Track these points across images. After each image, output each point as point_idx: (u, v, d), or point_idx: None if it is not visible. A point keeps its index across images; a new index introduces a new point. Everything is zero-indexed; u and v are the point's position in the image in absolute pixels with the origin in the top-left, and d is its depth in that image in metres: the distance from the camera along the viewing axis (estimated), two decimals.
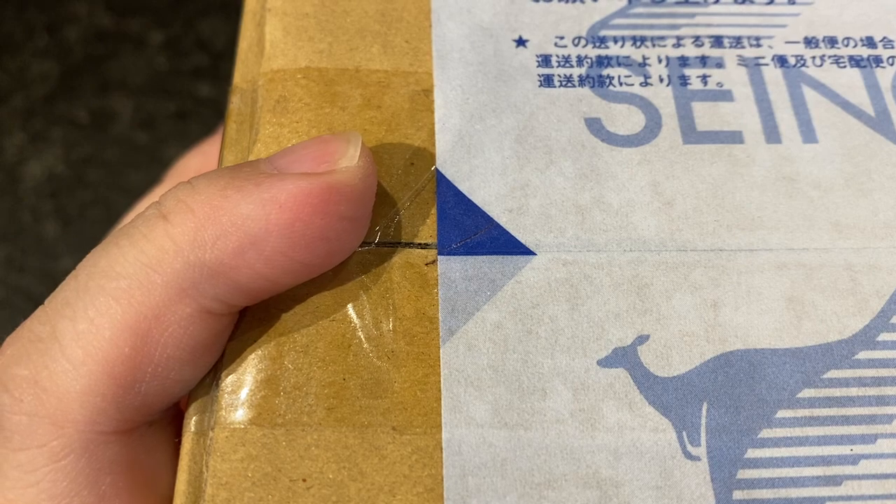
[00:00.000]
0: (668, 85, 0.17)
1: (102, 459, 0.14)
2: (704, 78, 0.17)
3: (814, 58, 0.18)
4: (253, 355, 0.14)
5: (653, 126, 0.17)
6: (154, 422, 0.15)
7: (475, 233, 0.16)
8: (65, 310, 0.14)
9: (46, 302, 0.14)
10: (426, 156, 0.16)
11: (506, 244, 0.16)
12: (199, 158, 0.20)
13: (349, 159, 0.14)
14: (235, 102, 0.17)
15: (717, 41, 0.18)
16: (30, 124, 0.54)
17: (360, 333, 0.15)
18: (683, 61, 0.18)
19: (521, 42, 0.18)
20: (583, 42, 0.18)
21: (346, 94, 0.17)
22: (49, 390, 0.13)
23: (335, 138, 0.15)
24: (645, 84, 0.17)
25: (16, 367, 0.14)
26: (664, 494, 0.14)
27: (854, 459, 0.14)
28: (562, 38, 0.18)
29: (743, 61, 0.18)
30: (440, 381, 0.14)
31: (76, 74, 0.55)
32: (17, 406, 0.13)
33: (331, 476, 0.13)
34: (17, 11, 0.57)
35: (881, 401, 0.15)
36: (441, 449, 0.14)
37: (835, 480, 0.14)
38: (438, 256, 0.15)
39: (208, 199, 0.14)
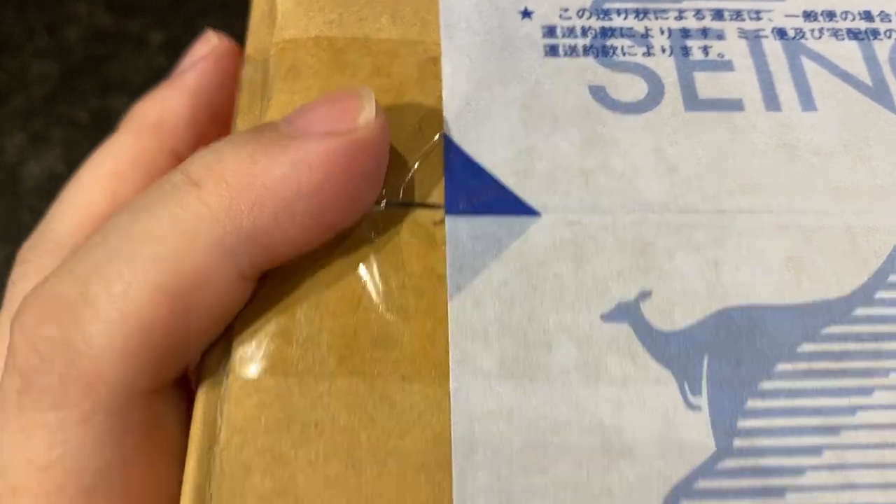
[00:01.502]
0: (670, 55, 0.18)
1: (129, 420, 0.14)
2: (706, 49, 0.18)
3: (812, 31, 0.19)
4: (266, 310, 0.15)
5: (656, 94, 0.18)
6: (175, 382, 0.15)
7: (482, 194, 0.16)
8: (96, 273, 0.14)
9: (67, 264, 0.15)
10: (434, 121, 0.17)
11: (512, 205, 0.16)
12: (156, 106, 0.20)
13: (367, 115, 0.15)
14: (248, 72, 0.18)
15: (718, 14, 0.19)
16: (30, 124, 0.55)
17: (370, 289, 0.15)
18: (685, 33, 0.19)
19: (526, 13, 0.18)
20: (587, 14, 0.19)
21: (355, 63, 0.18)
22: (82, 352, 0.14)
23: (348, 95, 0.15)
24: (648, 54, 0.18)
25: (44, 327, 0.14)
26: (666, 441, 0.14)
27: (851, 410, 0.15)
28: (566, 10, 0.19)
29: (743, 34, 0.19)
30: (448, 335, 0.15)
31: (76, 75, 0.56)
32: (48, 367, 0.14)
33: (342, 423, 0.14)
34: (17, 11, 0.59)
35: (878, 355, 0.15)
36: (449, 397, 0.15)
37: (832, 430, 0.15)
38: (446, 216, 0.16)
39: (239, 166, 0.14)
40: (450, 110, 0.17)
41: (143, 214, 0.14)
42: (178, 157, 0.17)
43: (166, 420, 0.15)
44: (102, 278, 0.14)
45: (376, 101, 0.15)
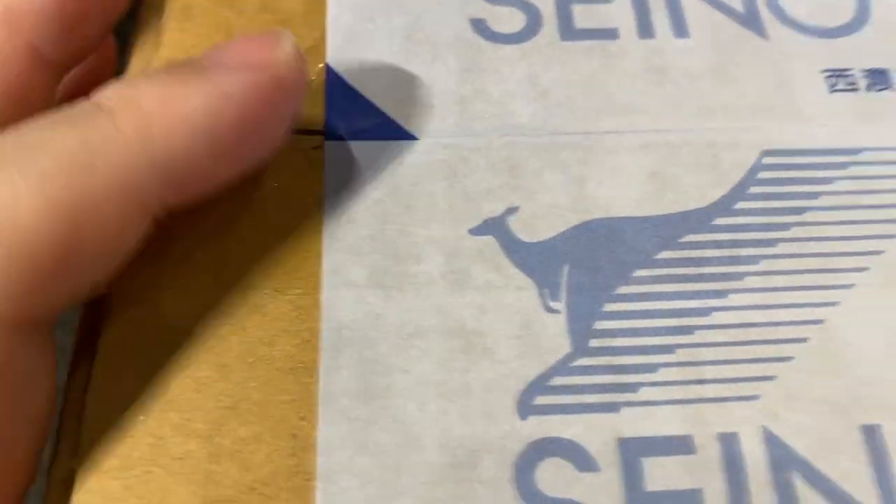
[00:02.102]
0: None
1: None
2: None
3: None
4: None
5: (533, 25, 0.19)
6: (47, 332, 0.14)
7: (362, 121, 0.17)
8: None
9: None
10: (318, 53, 0.18)
11: (391, 130, 0.17)
12: None
13: (286, 51, 0.15)
14: (144, 15, 0.19)
15: None
16: None
17: (245, 210, 0.16)
18: None
19: None
20: None
21: (243, 0, 0.18)
22: None
23: (267, 34, 0.15)
24: None
25: None
26: (524, 343, 0.15)
27: (706, 312, 0.16)
28: None
29: None
30: (321, 250, 0.16)
31: None
32: None
33: (213, 331, 0.15)
34: None
35: (735, 260, 0.16)
36: (319, 307, 0.16)
37: (686, 330, 0.16)
38: (325, 142, 0.17)
39: (154, 95, 0.14)
40: (333, 41, 0.18)
41: (47, 129, 0.13)
42: (38, 54, 0.15)
43: (25, 367, 0.13)
44: None
45: (294, 40, 0.15)
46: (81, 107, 0.14)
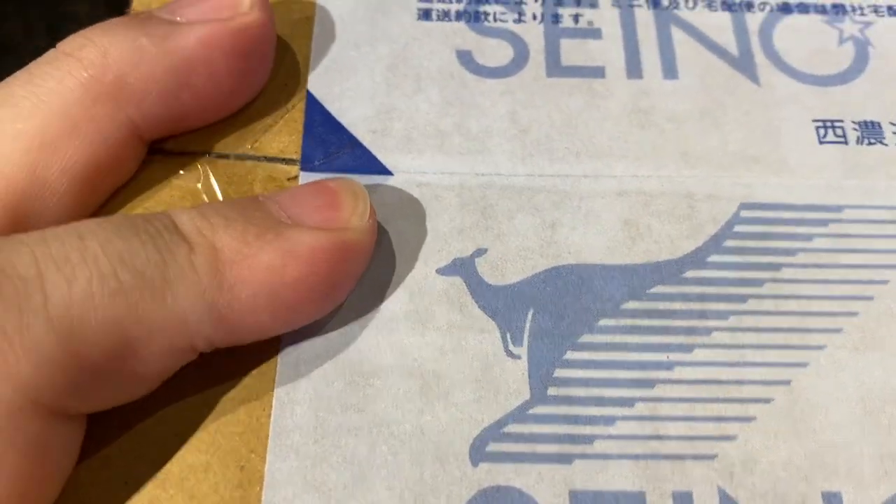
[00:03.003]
0: (540, 22, 0.19)
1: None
2: (576, 17, 0.19)
3: (687, 0, 0.20)
4: None
5: (519, 60, 0.19)
6: (75, 416, 0.14)
7: (338, 151, 0.18)
8: None
9: None
10: (300, 79, 0.18)
11: (366, 163, 0.18)
12: None
13: (360, 217, 0.15)
14: None
15: None
16: None
17: None
18: (559, 1, 0.19)
19: None
20: None
21: None
22: None
23: (345, 190, 0.16)
24: (518, 21, 0.19)
25: None
26: (482, 387, 0.16)
27: (669, 366, 0.16)
28: None
29: (616, 2, 0.19)
30: None
31: None
32: None
33: None
34: (18, 11, 0.60)
35: (703, 315, 0.16)
36: (278, 339, 0.16)
37: (647, 383, 0.16)
38: (301, 172, 0.17)
39: (231, 241, 0.14)
40: (316, 68, 0.18)
41: (133, 239, 0.14)
42: (135, 128, 0.16)
43: (59, 443, 0.14)
44: None
45: (370, 204, 0.16)
46: (166, 227, 0.14)
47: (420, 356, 0.16)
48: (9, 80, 0.16)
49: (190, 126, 0.17)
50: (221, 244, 0.14)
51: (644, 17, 0.19)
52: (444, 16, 0.19)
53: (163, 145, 0.17)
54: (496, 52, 0.19)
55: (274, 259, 0.14)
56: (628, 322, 0.16)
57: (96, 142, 0.15)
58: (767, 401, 0.16)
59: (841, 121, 0.18)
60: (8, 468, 0.12)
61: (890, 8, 0.20)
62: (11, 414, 0.12)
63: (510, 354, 0.16)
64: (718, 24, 0.19)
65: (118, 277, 0.13)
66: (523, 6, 0.19)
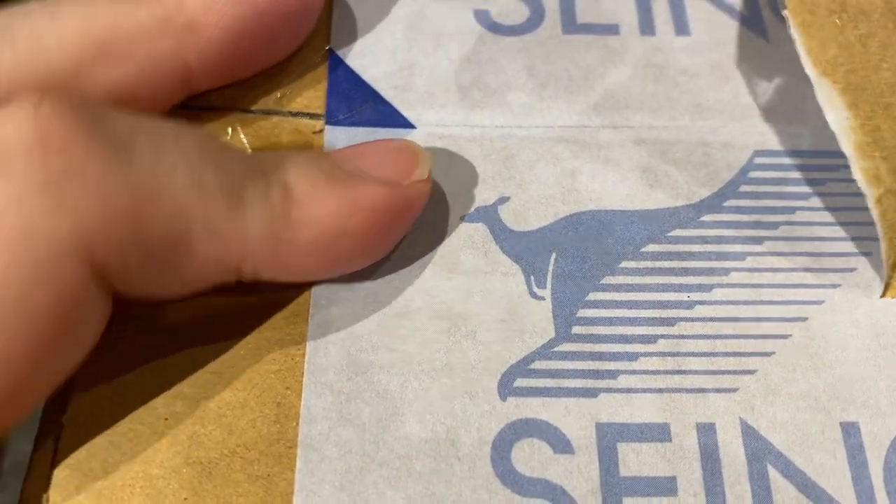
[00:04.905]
0: None
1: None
2: None
3: None
4: None
5: (536, 18, 0.20)
6: (106, 296, 0.14)
7: (362, 106, 0.19)
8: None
9: None
10: (322, 36, 0.19)
11: (389, 117, 0.18)
12: None
13: (421, 175, 0.16)
14: None
15: None
16: None
17: None
18: None
19: None
20: None
21: None
22: None
23: (409, 150, 0.17)
24: None
25: None
26: (508, 327, 0.16)
27: (689, 305, 0.17)
28: None
29: None
30: None
31: None
32: None
33: (204, 300, 0.16)
34: None
35: (721, 256, 0.17)
36: (310, 284, 0.17)
37: (669, 321, 0.17)
38: (326, 126, 0.18)
39: (304, 185, 0.15)
40: (337, 26, 0.19)
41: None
42: (189, 70, 0.17)
43: (93, 305, 0.14)
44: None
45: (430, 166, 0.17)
46: (248, 157, 0.16)
47: (447, 299, 0.17)
48: None
49: (234, 77, 0.18)
50: (294, 184, 0.15)
51: None
52: None
53: (189, 101, 0.18)
54: (513, 11, 0.20)
55: (340, 206, 0.15)
56: (649, 264, 0.17)
57: (146, 73, 0.16)
58: (785, 336, 0.17)
59: None
60: (34, 309, 0.12)
61: None
62: (59, 254, 0.13)
63: (534, 296, 0.17)
64: None
65: (202, 174, 0.14)
66: None
